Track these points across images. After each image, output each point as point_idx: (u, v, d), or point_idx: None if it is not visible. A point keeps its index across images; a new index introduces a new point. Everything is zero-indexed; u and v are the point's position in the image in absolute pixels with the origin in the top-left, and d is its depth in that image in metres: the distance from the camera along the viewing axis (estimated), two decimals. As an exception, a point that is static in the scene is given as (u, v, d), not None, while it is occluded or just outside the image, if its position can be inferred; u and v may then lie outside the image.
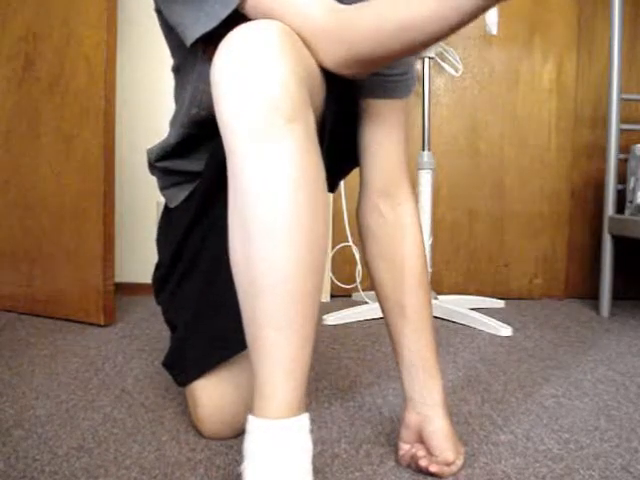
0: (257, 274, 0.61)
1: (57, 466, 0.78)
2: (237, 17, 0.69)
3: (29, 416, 0.95)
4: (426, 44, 0.63)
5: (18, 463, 0.78)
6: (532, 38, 2.25)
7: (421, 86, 1.98)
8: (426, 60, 1.95)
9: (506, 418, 1.00)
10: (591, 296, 2.23)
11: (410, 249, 0.85)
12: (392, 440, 0.89)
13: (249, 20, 0.65)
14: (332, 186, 0.99)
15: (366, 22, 0.64)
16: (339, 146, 0.85)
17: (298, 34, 0.66)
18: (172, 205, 0.94)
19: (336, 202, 2.17)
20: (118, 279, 1.70)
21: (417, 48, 0.64)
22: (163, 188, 0.96)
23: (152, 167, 0.96)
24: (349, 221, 2.11)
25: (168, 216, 0.97)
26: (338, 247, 2.19)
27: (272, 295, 0.61)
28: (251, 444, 0.60)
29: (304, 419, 0.62)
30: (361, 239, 0.90)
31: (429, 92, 1.96)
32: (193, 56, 0.81)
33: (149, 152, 0.95)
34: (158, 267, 0.97)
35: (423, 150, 1.93)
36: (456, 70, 2.09)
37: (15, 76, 1.74)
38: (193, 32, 0.72)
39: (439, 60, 2.06)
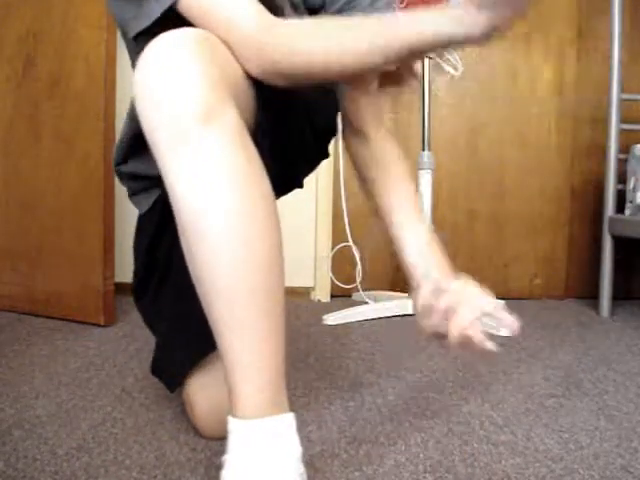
0: (198, 276, 0.62)
1: (57, 466, 0.78)
2: (179, 15, 0.69)
3: (29, 416, 0.95)
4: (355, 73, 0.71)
5: (18, 463, 0.78)
6: (532, 38, 2.25)
7: (421, 86, 1.98)
8: (426, 60, 1.95)
9: (506, 418, 1.00)
10: (591, 296, 2.22)
11: (395, 156, 0.92)
12: (392, 440, 0.89)
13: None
14: (299, 181, 1.00)
15: (302, 45, 0.67)
16: (301, 149, 0.87)
17: (225, 40, 0.66)
18: (142, 212, 0.94)
19: (336, 202, 2.16)
20: (118, 279, 1.69)
21: (345, 76, 0.72)
22: (132, 195, 0.96)
23: (120, 176, 0.95)
24: (349, 221, 2.10)
25: (140, 223, 0.98)
26: (338, 247, 2.19)
27: (214, 296, 0.61)
28: (229, 442, 0.61)
29: (281, 419, 0.61)
30: (354, 166, 0.95)
31: (429, 92, 1.96)
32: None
33: (113, 160, 0.95)
34: (135, 275, 0.98)
35: (423, 150, 1.93)
36: (456, 70, 2.08)
37: (15, 76, 1.74)
38: (133, 29, 0.72)
39: (439, 60, 2.06)
